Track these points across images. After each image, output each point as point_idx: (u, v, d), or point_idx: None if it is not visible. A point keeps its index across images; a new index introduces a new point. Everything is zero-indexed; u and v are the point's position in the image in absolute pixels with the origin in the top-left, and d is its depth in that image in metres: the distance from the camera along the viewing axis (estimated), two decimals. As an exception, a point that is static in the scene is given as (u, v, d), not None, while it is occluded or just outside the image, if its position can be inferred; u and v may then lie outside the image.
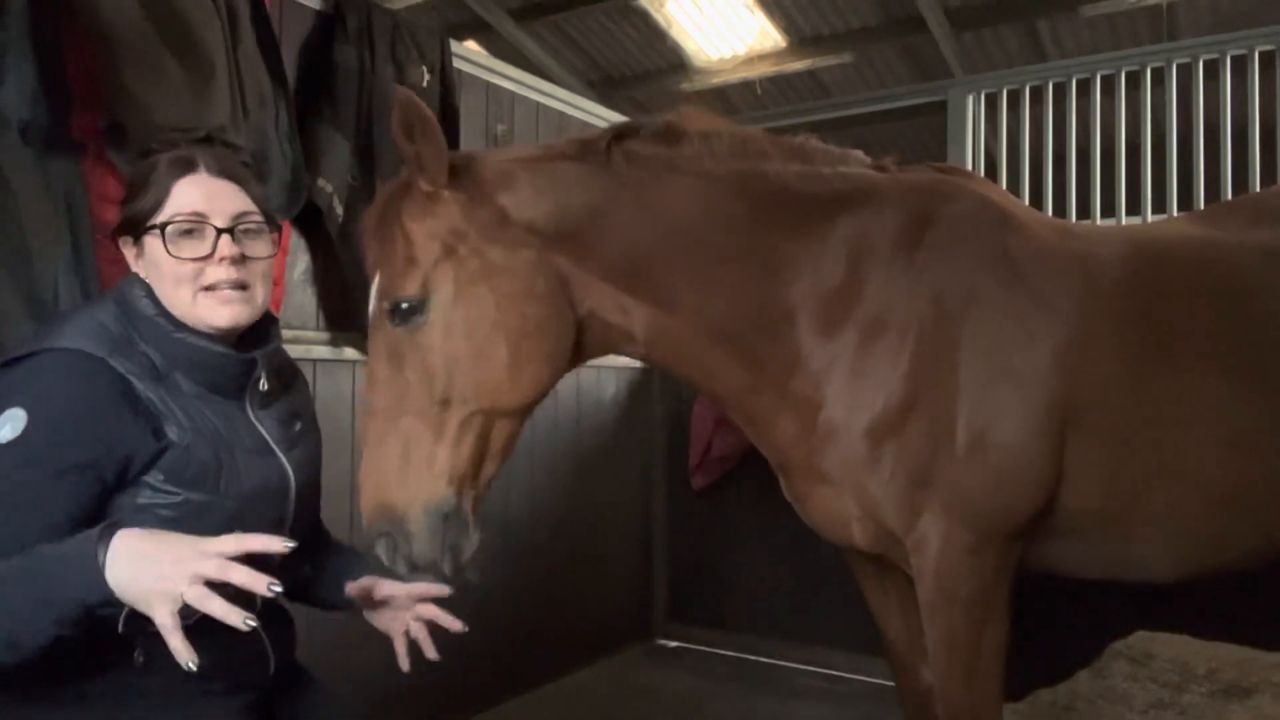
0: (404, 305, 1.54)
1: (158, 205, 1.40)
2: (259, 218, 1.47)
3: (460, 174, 1.60)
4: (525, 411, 1.64)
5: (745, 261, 1.75)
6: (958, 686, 1.79)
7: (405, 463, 1.50)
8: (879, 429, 1.75)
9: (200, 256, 1.40)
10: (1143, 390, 1.76)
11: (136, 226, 1.42)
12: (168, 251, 1.38)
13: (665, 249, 1.71)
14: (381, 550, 1.50)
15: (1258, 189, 3.23)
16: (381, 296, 1.57)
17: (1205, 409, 1.77)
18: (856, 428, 1.77)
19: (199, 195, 1.41)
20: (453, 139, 3.04)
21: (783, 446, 1.89)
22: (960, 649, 1.78)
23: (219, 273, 1.40)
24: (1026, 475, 1.73)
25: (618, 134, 1.74)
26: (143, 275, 1.44)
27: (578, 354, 1.71)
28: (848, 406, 1.77)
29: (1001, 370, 1.73)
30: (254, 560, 1.46)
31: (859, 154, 1.94)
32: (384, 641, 1.61)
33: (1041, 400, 1.73)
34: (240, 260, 1.42)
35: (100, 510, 1.30)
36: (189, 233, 1.40)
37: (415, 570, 1.51)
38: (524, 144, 1.76)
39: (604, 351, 1.78)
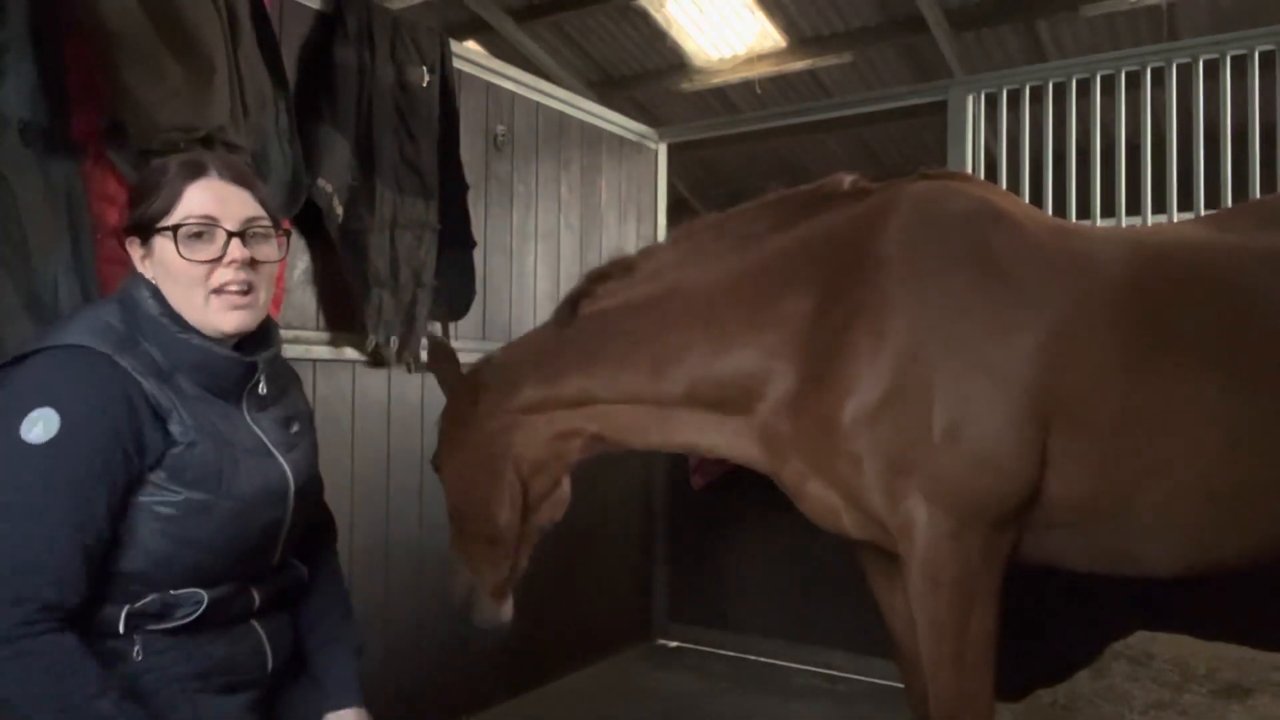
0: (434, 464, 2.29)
1: (169, 208, 1.41)
2: (268, 222, 1.50)
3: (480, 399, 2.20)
4: (515, 537, 2.28)
5: (705, 343, 2.02)
6: (946, 673, 1.81)
7: (468, 556, 2.26)
8: (856, 422, 1.82)
9: (211, 259, 1.41)
10: (1135, 388, 1.78)
11: (147, 228, 1.43)
12: (179, 253, 1.40)
13: (633, 356, 2.08)
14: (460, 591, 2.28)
15: (1258, 189, 3.23)
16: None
17: (1201, 410, 1.77)
18: (835, 423, 1.84)
19: (210, 199, 1.43)
20: (453, 139, 3.04)
21: (772, 453, 2.01)
22: (947, 635, 1.80)
23: (228, 275, 1.42)
24: (1004, 464, 1.76)
25: (573, 298, 2.17)
26: (149, 276, 1.45)
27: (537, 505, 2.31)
28: (826, 404, 1.86)
29: (976, 362, 1.78)
30: (251, 563, 1.47)
31: (838, 177, 2.06)
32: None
33: (1018, 391, 1.76)
34: (249, 264, 1.44)
35: (124, 507, 1.33)
36: (200, 235, 1.41)
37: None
38: (515, 345, 2.36)
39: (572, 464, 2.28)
